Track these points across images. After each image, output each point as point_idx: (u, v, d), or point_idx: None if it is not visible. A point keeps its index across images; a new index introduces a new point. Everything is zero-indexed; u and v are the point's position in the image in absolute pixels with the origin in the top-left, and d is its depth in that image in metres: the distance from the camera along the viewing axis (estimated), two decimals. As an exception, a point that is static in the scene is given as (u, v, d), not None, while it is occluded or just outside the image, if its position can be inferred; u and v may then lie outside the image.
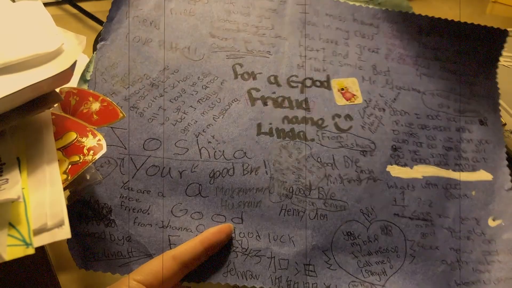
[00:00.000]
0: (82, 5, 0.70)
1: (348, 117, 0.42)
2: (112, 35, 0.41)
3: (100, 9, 0.71)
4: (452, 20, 0.47)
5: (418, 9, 0.69)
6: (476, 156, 0.43)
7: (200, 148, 0.38)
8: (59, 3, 0.72)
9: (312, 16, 0.45)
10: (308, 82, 0.42)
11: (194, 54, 0.42)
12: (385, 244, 0.38)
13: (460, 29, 0.47)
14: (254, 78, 0.41)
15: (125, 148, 0.37)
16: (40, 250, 0.28)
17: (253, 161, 0.38)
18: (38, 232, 0.28)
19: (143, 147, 0.37)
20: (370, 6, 0.46)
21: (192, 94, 0.40)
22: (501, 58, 0.69)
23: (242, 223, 0.36)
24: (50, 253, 0.36)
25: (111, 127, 0.38)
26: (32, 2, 0.35)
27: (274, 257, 0.36)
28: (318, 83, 0.43)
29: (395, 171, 0.41)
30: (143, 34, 0.42)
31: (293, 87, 0.42)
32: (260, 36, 0.44)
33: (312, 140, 0.40)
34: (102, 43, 0.41)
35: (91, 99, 0.39)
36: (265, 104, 0.41)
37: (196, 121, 0.39)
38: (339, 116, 0.42)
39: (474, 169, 0.42)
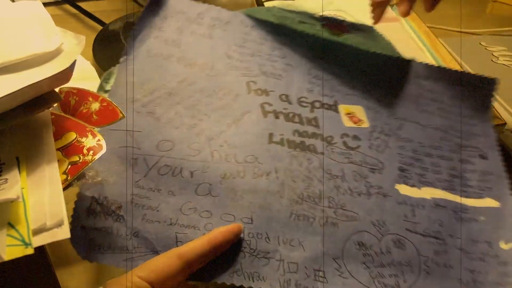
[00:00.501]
0: (82, 5, 0.70)
1: (356, 137, 0.43)
2: (135, 52, 0.44)
3: (100, 9, 0.71)
4: (445, 68, 0.50)
5: (418, 9, 0.69)
6: (481, 185, 0.44)
7: (212, 150, 0.39)
8: (59, 3, 0.72)
9: (320, 51, 0.49)
10: (317, 104, 0.45)
11: (211, 70, 0.44)
12: (398, 258, 0.37)
13: (453, 76, 0.50)
14: (267, 95, 0.44)
15: (139, 149, 0.38)
16: (40, 249, 0.28)
17: (264, 166, 0.39)
18: (37, 232, 0.28)
19: (157, 147, 0.38)
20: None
21: (208, 104, 0.42)
22: (501, 58, 0.69)
23: (252, 223, 0.36)
24: (48, 248, 0.36)
25: (127, 130, 0.39)
26: (31, 2, 0.35)
27: (283, 260, 0.35)
28: (326, 106, 0.45)
29: (404, 189, 0.41)
30: (164, 51, 0.44)
31: (303, 106, 0.44)
32: (272, 62, 0.47)
33: (322, 153, 0.41)
34: (124, 57, 0.43)
35: (90, 99, 0.39)
36: (276, 117, 0.43)
37: (210, 128, 0.40)
38: (347, 135, 0.43)
39: (480, 197, 0.43)
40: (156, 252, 0.34)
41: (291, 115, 0.43)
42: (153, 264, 0.32)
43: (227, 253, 0.35)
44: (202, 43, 0.46)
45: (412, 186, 0.42)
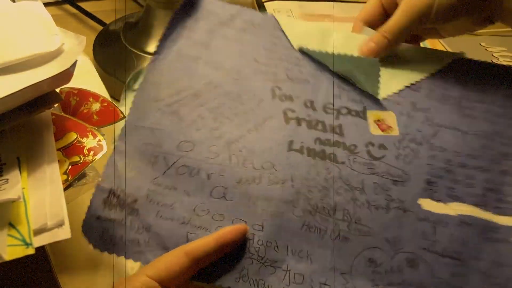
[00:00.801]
0: (82, 5, 0.70)
1: (382, 146, 0.41)
2: (165, 51, 0.44)
3: (100, 9, 0.71)
4: (501, 64, 0.46)
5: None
6: None
7: (231, 154, 0.39)
8: (59, 3, 0.72)
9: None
10: (344, 111, 0.43)
11: (237, 74, 0.44)
12: (410, 278, 0.36)
13: (508, 73, 0.45)
14: (291, 101, 0.43)
15: (161, 147, 0.39)
16: (40, 249, 0.29)
17: (280, 174, 0.39)
18: (38, 232, 0.28)
19: (177, 147, 0.39)
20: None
21: (231, 108, 0.42)
22: (501, 58, 0.69)
23: (262, 230, 0.36)
24: (50, 252, 0.36)
25: (151, 128, 0.39)
26: (32, 2, 0.35)
27: (289, 270, 0.35)
28: (353, 113, 0.43)
29: (427, 204, 0.39)
30: (193, 53, 0.45)
31: (328, 113, 0.43)
32: (300, 66, 0.46)
33: (343, 163, 0.40)
34: (155, 56, 0.44)
35: (91, 99, 0.39)
36: (299, 124, 0.42)
37: (231, 132, 0.40)
38: (372, 144, 0.41)
39: None
40: (166, 249, 0.35)
41: (314, 122, 0.42)
42: (162, 262, 0.32)
43: (235, 257, 0.35)
44: (231, 47, 0.46)
45: (438, 200, 0.39)
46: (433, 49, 0.47)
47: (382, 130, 0.42)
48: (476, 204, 0.39)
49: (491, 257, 0.37)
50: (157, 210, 0.36)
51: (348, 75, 0.44)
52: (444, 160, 0.41)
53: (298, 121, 0.42)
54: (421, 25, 0.43)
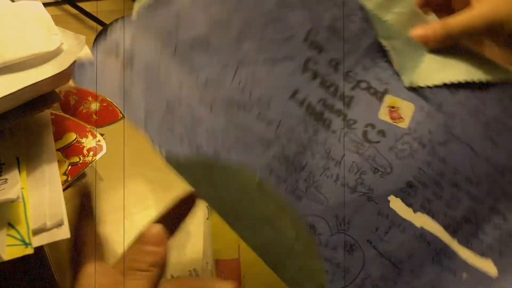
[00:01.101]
0: (82, 5, 0.70)
1: (382, 132, 0.38)
2: None
3: (100, 9, 0.71)
4: None
5: (418, 9, 0.69)
6: (494, 244, 0.37)
7: (235, 75, 0.39)
8: (59, 3, 0.72)
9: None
10: (363, 85, 0.40)
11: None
12: (339, 259, 0.35)
13: None
14: (319, 52, 0.40)
15: (176, 36, 0.39)
16: (39, 249, 0.29)
17: (271, 114, 0.38)
18: (37, 232, 0.28)
19: (192, 40, 0.39)
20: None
21: (260, 30, 0.40)
22: (501, 58, 0.68)
23: (229, 153, 0.37)
24: (49, 252, 0.36)
25: (176, 11, 0.39)
26: (31, 2, 0.35)
27: None
28: (372, 91, 0.40)
29: (396, 204, 0.37)
30: None
31: (347, 80, 0.40)
32: (351, 20, 0.41)
33: (334, 132, 0.38)
34: None
35: (90, 99, 0.39)
36: (313, 78, 0.40)
37: (248, 52, 0.39)
38: (373, 126, 0.39)
39: (482, 254, 0.36)
40: (144, 123, 0.35)
41: (328, 83, 0.40)
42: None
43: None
44: None
45: (409, 205, 0.37)
46: (496, 62, 0.41)
47: (392, 119, 0.39)
48: (446, 226, 0.37)
49: (430, 280, 0.36)
50: (148, 81, 0.36)
51: (390, 50, 0.40)
52: (438, 171, 0.38)
53: (315, 75, 0.40)
54: (490, 38, 0.40)
